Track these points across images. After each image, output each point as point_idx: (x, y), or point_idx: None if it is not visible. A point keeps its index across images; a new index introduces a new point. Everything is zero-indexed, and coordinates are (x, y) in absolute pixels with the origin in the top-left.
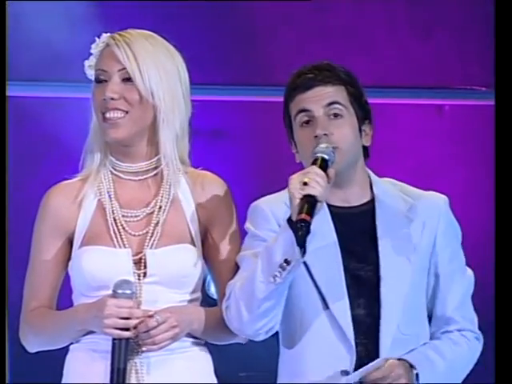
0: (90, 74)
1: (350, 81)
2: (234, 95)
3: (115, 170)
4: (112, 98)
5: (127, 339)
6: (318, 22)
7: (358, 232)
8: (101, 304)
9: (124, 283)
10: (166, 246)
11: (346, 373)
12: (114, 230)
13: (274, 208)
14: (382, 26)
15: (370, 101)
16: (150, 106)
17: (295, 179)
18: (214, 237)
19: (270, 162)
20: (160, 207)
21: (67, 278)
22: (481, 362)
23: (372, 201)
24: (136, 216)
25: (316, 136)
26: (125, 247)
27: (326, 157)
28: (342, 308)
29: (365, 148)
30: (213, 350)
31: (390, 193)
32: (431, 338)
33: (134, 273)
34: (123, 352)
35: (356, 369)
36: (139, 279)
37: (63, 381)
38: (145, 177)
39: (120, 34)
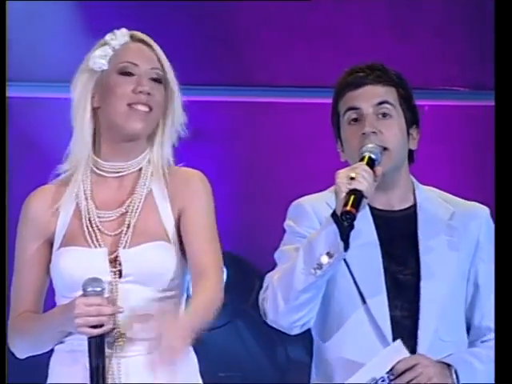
0: (100, 63)
1: (401, 83)
2: (213, 95)
3: (98, 169)
4: (148, 93)
5: (101, 336)
6: (298, 24)
7: (399, 236)
8: (71, 304)
9: (93, 281)
10: (139, 245)
11: None
12: (88, 230)
13: (315, 206)
14: (362, 27)
15: None
16: (164, 107)
17: (343, 173)
18: (186, 219)
19: (248, 162)
20: (133, 207)
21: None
22: None
23: (414, 206)
24: (110, 216)
25: (364, 133)
26: (100, 247)
27: (373, 156)
28: (381, 307)
29: (410, 152)
30: (194, 351)
31: (432, 199)
32: (469, 347)
33: (111, 271)
34: (98, 350)
35: (392, 369)
36: (115, 278)
37: (48, 381)
38: (125, 173)
39: (138, 33)
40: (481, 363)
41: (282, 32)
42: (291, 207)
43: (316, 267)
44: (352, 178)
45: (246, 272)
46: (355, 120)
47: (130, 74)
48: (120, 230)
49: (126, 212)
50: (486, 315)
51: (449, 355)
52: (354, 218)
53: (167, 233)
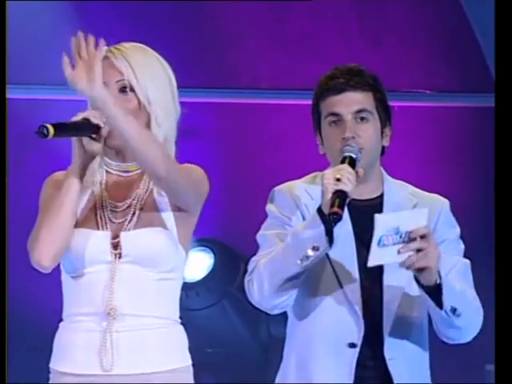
0: None
1: (377, 86)
2: (203, 97)
3: (107, 167)
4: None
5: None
6: (279, 32)
7: (368, 222)
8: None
9: None
10: (139, 229)
11: (353, 345)
12: (100, 215)
13: (295, 193)
14: (335, 35)
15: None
16: (144, 113)
17: (329, 175)
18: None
19: (233, 157)
20: (138, 200)
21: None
22: (481, 362)
23: (381, 196)
24: (117, 207)
25: (344, 138)
26: (108, 229)
27: (354, 156)
28: (354, 288)
29: (382, 147)
30: (184, 329)
31: (398, 191)
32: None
33: (111, 253)
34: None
35: (363, 342)
36: (115, 259)
37: (53, 354)
38: (131, 174)
39: (116, 47)
40: (460, 285)
41: (264, 40)
42: (272, 192)
43: (302, 259)
44: (338, 180)
45: (231, 257)
46: (335, 122)
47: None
48: (124, 219)
49: (130, 205)
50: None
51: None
52: (340, 217)
53: (165, 223)
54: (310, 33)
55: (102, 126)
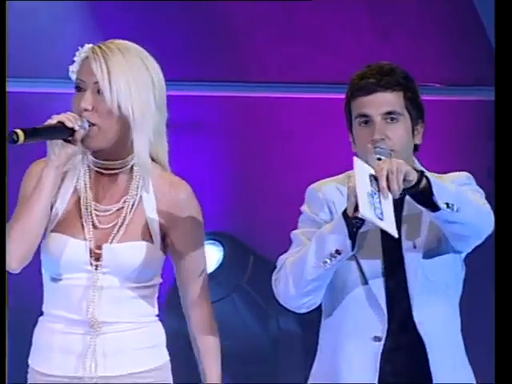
0: (73, 77)
1: (408, 84)
2: (211, 90)
3: (91, 165)
4: (85, 110)
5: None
6: (290, 25)
7: (396, 219)
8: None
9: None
10: (123, 242)
11: (378, 339)
12: (85, 219)
13: (326, 192)
14: (345, 29)
15: (335, 96)
16: (120, 117)
17: (354, 177)
18: (175, 239)
19: (243, 150)
20: (127, 207)
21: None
22: (481, 362)
23: None
24: (106, 211)
25: (373, 139)
26: (89, 239)
27: (383, 158)
28: (378, 283)
29: (415, 144)
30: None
31: None
32: None
33: (92, 263)
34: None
35: (387, 335)
36: (96, 269)
37: (32, 349)
38: (117, 171)
39: (100, 46)
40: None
41: (274, 33)
42: (307, 191)
43: (325, 261)
44: None
45: (241, 250)
46: (365, 122)
47: (81, 90)
48: (111, 225)
49: (118, 210)
50: None
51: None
52: (362, 222)
53: (151, 235)
54: (320, 26)
55: (77, 129)
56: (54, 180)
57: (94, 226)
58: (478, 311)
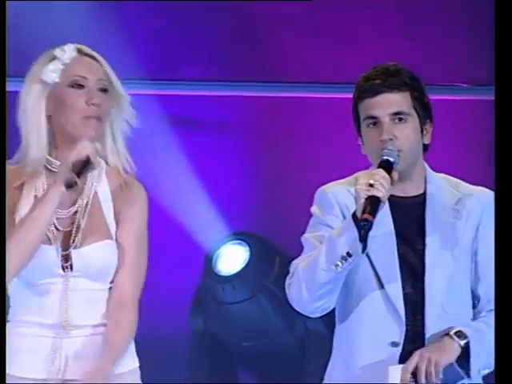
0: (53, 76)
1: (414, 84)
2: (239, 90)
3: (50, 166)
4: (97, 104)
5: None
6: (314, 23)
7: (410, 220)
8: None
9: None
10: (89, 244)
11: (395, 344)
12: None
13: (337, 195)
14: (371, 28)
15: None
16: (112, 115)
17: (363, 179)
18: (120, 233)
19: (269, 150)
20: (82, 207)
21: None
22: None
23: (425, 193)
24: (63, 214)
25: (382, 140)
26: (57, 243)
27: (392, 159)
28: (395, 288)
29: (424, 144)
30: (220, 323)
31: (441, 187)
32: (475, 319)
33: (62, 266)
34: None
35: (405, 341)
36: (67, 272)
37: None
38: None
39: (84, 47)
40: (490, 328)
41: (299, 33)
42: (316, 194)
43: (337, 264)
44: (371, 185)
45: (267, 250)
46: (374, 124)
47: (80, 87)
48: (70, 228)
49: (76, 212)
50: (488, 288)
51: (451, 327)
52: (371, 224)
53: (110, 232)
54: (346, 25)
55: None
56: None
57: (57, 230)
58: None
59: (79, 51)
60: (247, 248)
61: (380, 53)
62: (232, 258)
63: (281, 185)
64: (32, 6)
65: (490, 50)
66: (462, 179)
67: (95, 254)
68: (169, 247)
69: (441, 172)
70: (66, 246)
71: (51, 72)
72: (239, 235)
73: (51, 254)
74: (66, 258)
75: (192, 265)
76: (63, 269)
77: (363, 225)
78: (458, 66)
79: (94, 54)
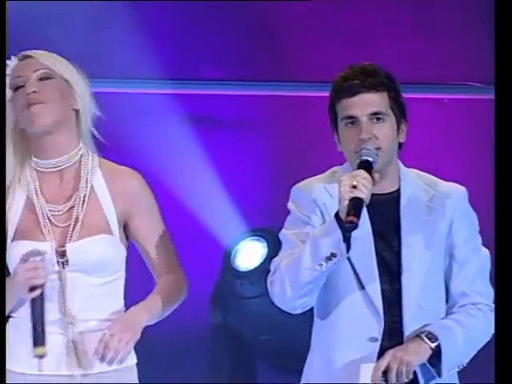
0: (9, 91)
1: (391, 84)
2: (258, 90)
3: (37, 167)
4: (34, 92)
5: (41, 300)
6: (331, 23)
7: (386, 218)
8: (14, 272)
9: (32, 254)
10: (84, 238)
11: (374, 339)
12: (43, 223)
13: (313, 192)
14: (387, 28)
15: None
16: (68, 99)
17: (345, 181)
18: (137, 226)
19: (287, 148)
20: (79, 202)
21: None
22: (481, 362)
23: (399, 190)
24: (60, 210)
25: (360, 139)
26: (51, 240)
27: (371, 159)
28: (373, 285)
29: (399, 143)
30: (238, 317)
31: (414, 183)
32: (448, 314)
33: (58, 262)
34: (39, 313)
35: (383, 336)
36: (63, 267)
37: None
38: (63, 167)
39: (26, 52)
40: (460, 327)
41: (316, 33)
42: (292, 191)
43: (321, 264)
44: (354, 187)
45: None
46: (352, 123)
47: (21, 87)
48: (68, 223)
49: (73, 207)
50: (460, 282)
51: (426, 325)
52: (356, 226)
53: (110, 226)
54: (363, 26)
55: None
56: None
57: (54, 227)
58: None
59: (19, 59)
60: (265, 244)
61: (396, 53)
62: (250, 253)
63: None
64: (52, 5)
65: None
66: (482, 179)
67: (90, 248)
68: (189, 243)
69: (464, 172)
70: (62, 241)
71: (7, 89)
72: (257, 231)
73: (46, 251)
74: (62, 254)
75: (211, 260)
76: (59, 264)
77: (349, 227)
78: (471, 64)
79: (30, 52)
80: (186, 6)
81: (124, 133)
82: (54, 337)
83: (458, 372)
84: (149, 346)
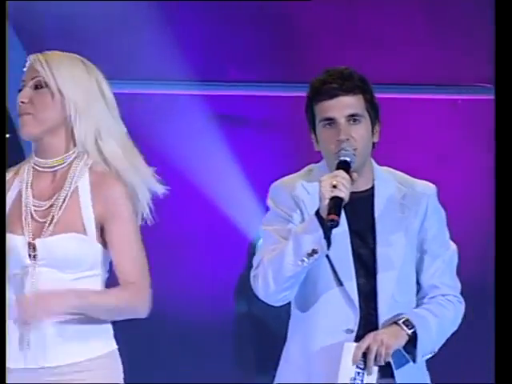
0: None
1: (365, 87)
2: (280, 91)
3: (36, 165)
4: (23, 102)
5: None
6: (353, 27)
7: (361, 214)
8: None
9: None
10: (55, 235)
11: (350, 331)
12: (25, 217)
13: (291, 189)
14: (405, 30)
15: (395, 96)
16: (61, 107)
17: (326, 181)
18: (110, 231)
19: (306, 148)
20: (59, 200)
21: None
22: (481, 362)
23: (373, 188)
24: (41, 206)
25: (338, 140)
26: (29, 233)
27: (349, 159)
28: (350, 280)
29: (373, 142)
30: (263, 307)
31: (388, 181)
32: (418, 305)
33: (30, 255)
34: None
35: (359, 327)
36: (34, 262)
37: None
38: (57, 168)
39: (42, 53)
40: (433, 316)
41: (335, 37)
42: (270, 188)
43: (303, 260)
44: (334, 186)
45: None
46: (329, 124)
47: (21, 90)
48: (44, 220)
49: (53, 204)
50: (431, 275)
51: (400, 313)
52: (337, 223)
53: (84, 227)
54: (380, 31)
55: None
56: None
57: (34, 222)
58: (478, 311)
59: (29, 59)
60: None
61: (413, 55)
62: None
63: None
64: (81, 5)
65: None
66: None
67: (59, 245)
68: (216, 237)
69: (481, 172)
70: (36, 236)
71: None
72: None
73: (20, 244)
74: (34, 248)
75: (237, 253)
76: (30, 258)
77: (330, 225)
78: (483, 66)
79: (35, 56)
80: (213, 7)
81: (153, 132)
82: (21, 330)
83: (458, 372)
84: (179, 334)
